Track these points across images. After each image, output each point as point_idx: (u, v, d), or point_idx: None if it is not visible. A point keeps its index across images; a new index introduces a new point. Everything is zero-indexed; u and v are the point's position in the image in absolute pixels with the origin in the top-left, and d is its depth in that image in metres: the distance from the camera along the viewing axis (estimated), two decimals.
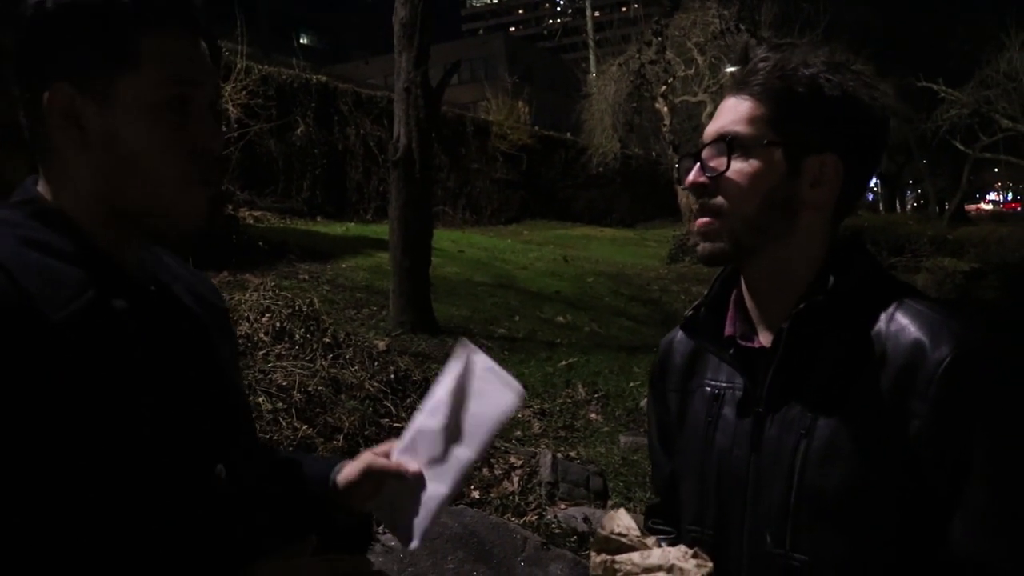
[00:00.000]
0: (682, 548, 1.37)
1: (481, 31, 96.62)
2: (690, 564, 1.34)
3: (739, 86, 1.45)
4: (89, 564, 1.07)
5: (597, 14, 42.32)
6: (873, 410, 1.31)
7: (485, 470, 5.47)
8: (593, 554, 1.42)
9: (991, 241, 24.75)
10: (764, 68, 1.42)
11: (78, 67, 1.15)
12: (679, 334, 1.63)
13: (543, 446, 6.02)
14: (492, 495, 5.18)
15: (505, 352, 8.29)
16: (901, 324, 1.33)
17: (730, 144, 1.41)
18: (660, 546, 1.39)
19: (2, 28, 1.18)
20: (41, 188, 1.21)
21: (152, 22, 1.16)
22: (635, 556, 1.37)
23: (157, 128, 1.17)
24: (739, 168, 1.40)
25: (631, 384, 7.77)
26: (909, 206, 54.14)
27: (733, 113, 1.43)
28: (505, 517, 4.81)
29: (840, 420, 1.34)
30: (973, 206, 59.55)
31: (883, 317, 1.35)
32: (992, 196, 78.10)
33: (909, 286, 1.44)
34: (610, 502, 5.47)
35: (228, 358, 1.37)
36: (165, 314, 1.24)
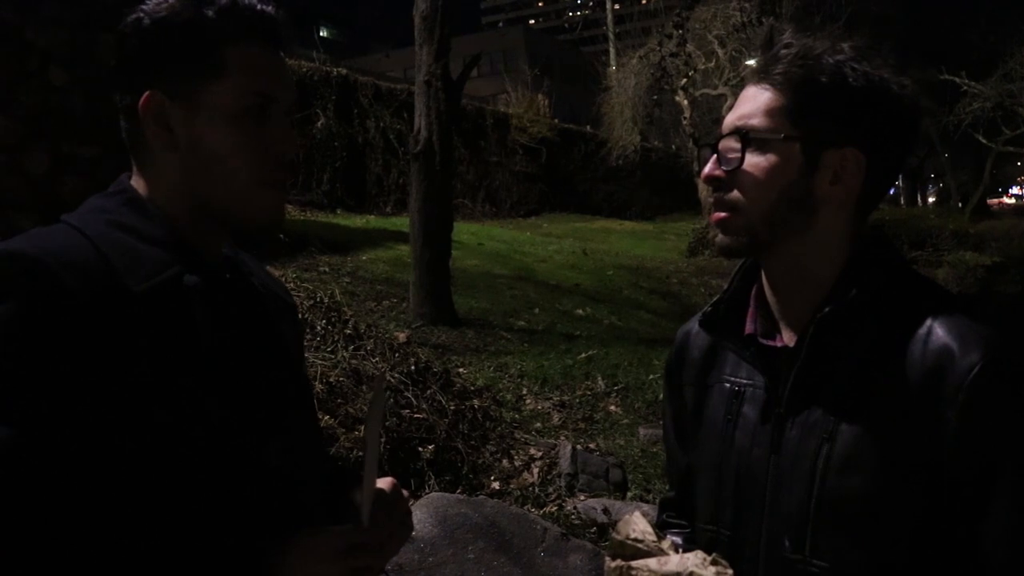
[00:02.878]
0: (700, 554, 1.31)
1: (501, 24, 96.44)
2: (709, 572, 1.28)
3: (760, 74, 1.39)
4: (137, 518, 1.15)
5: (617, 6, 42.10)
6: (898, 416, 1.27)
7: (505, 461, 5.49)
8: (608, 559, 1.37)
9: (1013, 235, 24.60)
10: (787, 56, 1.36)
11: (169, 76, 1.27)
12: (695, 326, 1.58)
13: (563, 438, 6.03)
14: (512, 486, 5.21)
15: (524, 344, 8.31)
16: (929, 328, 1.29)
17: (746, 137, 1.36)
18: (677, 551, 1.34)
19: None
20: (134, 182, 1.33)
21: (236, 35, 1.28)
22: (652, 562, 1.32)
23: (237, 133, 1.27)
24: (755, 162, 1.35)
25: (650, 376, 7.76)
26: (930, 200, 53.74)
27: (752, 103, 1.38)
28: (525, 508, 4.82)
29: (863, 425, 1.30)
30: (995, 200, 59.06)
31: (910, 320, 1.31)
32: (1015, 190, 77.44)
33: (938, 287, 1.40)
34: (629, 494, 5.48)
35: (293, 346, 1.48)
36: (237, 299, 1.36)
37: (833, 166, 1.35)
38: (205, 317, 1.25)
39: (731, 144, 1.38)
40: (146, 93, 1.26)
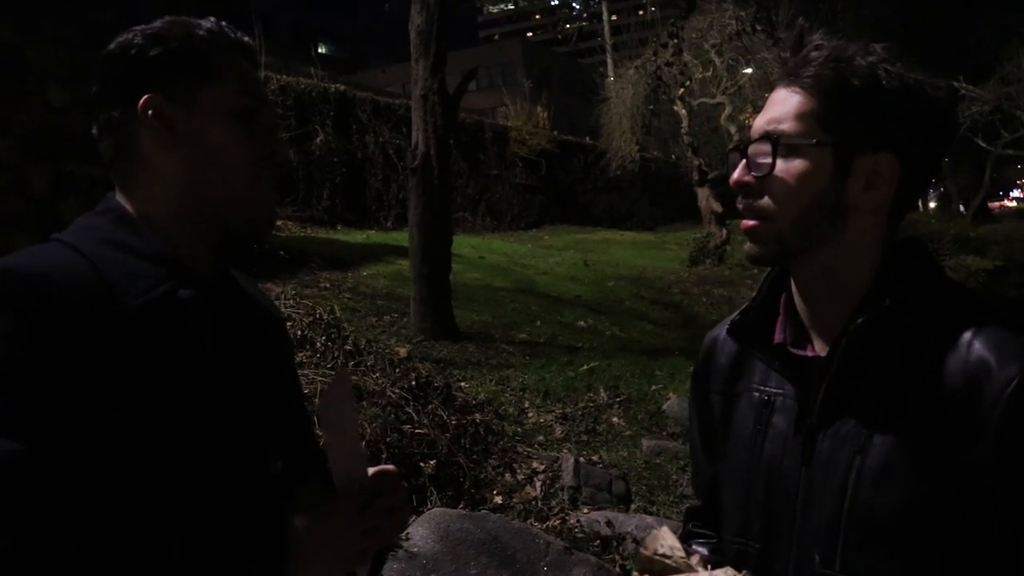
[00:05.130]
0: (730, 571, 1.30)
1: (497, 37, 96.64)
2: None
3: (790, 77, 1.35)
4: (139, 538, 1.16)
5: (614, 17, 42.29)
6: (932, 428, 1.24)
7: (508, 475, 5.47)
8: (636, 575, 1.36)
9: (1015, 239, 24.62)
10: (818, 58, 1.33)
11: (167, 80, 1.33)
12: (722, 333, 1.55)
13: (565, 450, 6.01)
14: (515, 500, 5.19)
15: (526, 357, 8.29)
16: (966, 340, 1.25)
17: (776, 143, 1.32)
18: (706, 567, 1.33)
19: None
20: (121, 200, 1.36)
21: (225, 49, 1.38)
22: None
23: (234, 130, 1.35)
24: (786, 168, 1.32)
25: (653, 387, 7.75)
26: (931, 204, 53.74)
27: (782, 107, 1.35)
28: (528, 522, 4.81)
29: (897, 437, 1.27)
30: (996, 203, 58.98)
31: (946, 330, 1.27)
32: (1016, 193, 77.35)
33: (976, 296, 1.36)
34: (633, 506, 5.46)
35: (285, 361, 1.54)
36: (231, 313, 1.39)
37: (866, 172, 1.32)
38: (200, 330, 1.28)
39: (761, 149, 1.35)
40: (145, 95, 1.31)
